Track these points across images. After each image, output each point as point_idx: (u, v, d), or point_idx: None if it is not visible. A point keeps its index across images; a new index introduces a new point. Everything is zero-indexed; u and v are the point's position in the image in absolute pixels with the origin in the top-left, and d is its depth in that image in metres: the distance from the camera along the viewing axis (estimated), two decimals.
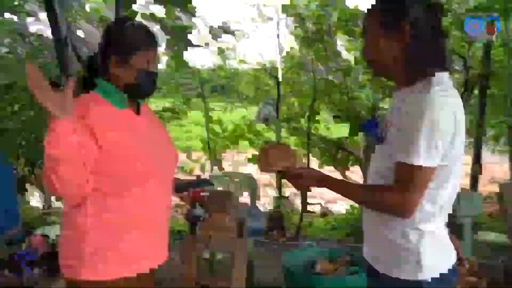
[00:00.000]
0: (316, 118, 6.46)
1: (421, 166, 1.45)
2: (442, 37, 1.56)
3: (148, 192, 1.72)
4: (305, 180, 1.69)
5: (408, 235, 1.54)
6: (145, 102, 1.92)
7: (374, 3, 1.61)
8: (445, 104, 1.45)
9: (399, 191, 1.49)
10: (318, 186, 1.70)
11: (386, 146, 1.59)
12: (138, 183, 1.69)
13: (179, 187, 2.03)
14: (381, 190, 1.56)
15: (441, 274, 1.55)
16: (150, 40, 1.77)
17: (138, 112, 1.81)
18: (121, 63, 1.73)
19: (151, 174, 1.72)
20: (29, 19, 6.01)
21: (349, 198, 1.70)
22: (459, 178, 1.60)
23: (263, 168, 1.78)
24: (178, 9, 5.65)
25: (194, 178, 2.07)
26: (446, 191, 1.54)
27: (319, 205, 6.70)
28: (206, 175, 6.37)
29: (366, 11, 1.62)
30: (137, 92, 1.77)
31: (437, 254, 1.56)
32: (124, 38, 1.74)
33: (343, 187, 1.67)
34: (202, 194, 2.09)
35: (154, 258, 1.82)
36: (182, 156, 8.05)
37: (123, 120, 1.73)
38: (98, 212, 1.66)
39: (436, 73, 1.51)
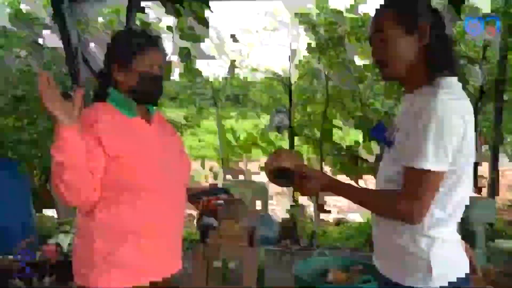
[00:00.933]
0: (329, 126, 6.43)
1: (429, 170, 1.42)
2: (452, 43, 1.55)
3: (159, 201, 1.70)
4: (312, 183, 1.62)
5: (418, 241, 1.50)
6: (158, 111, 1.91)
7: (388, 2, 1.57)
8: (453, 107, 1.42)
9: (407, 196, 1.45)
10: (325, 190, 1.64)
11: (395, 151, 1.56)
12: (148, 191, 1.68)
13: (194, 196, 2.01)
14: (390, 196, 1.52)
15: (452, 282, 1.51)
16: (150, 42, 1.76)
17: (150, 121, 1.80)
18: (123, 68, 1.73)
19: (161, 183, 1.71)
20: (45, 32, 6.13)
21: (357, 203, 1.66)
22: (470, 184, 1.56)
23: (268, 166, 1.70)
24: (191, 19, 5.70)
25: (208, 186, 2.04)
26: (457, 196, 1.50)
27: (330, 212, 6.63)
28: (219, 184, 6.38)
29: (379, 10, 1.58)
30: (141, 95, 1.76)
31: (448, 261, 1.52)
32: (125, 43, 1.75)
33: (351, 192, 1.63)
34: (215, 202, 2.06)
35: (166, 268, 1.80)
36: (195, 165, 8.07)
37: (132, 129, 1.73)
38: (107, 221, 1.66)
39: (444, 77, 1.49)
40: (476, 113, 5.27)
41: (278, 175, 1.70)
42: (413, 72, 1.53)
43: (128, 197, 1.66)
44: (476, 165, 5.43)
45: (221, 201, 2.04)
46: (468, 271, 1.56)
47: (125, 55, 1.73)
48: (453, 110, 1.42)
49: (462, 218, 1.58)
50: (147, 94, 1.77)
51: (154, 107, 1.85)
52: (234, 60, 7.02)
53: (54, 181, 1.52)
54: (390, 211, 1.52)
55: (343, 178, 6.37)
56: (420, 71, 1.52)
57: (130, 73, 1.73)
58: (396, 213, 1.50)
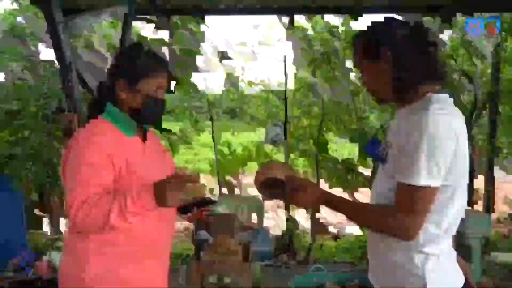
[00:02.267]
0: (325, 139, 6.43)
1: (423, 186, 1.42)
2: (429, 51, 1.55)
3: (151, 218, 1.69)
4: (304, 194, 1.59)
5: (413, 258, 1.50)
6: (151, 128, 1.92)
7: (356, 36, 1.63)
8: (444, 122, 1.42)
9: (402, 213, 1.45)
10: (318, 203, 1.63)
11: (388, 166, 1.57)
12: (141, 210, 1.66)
13: (183, 208, 1.99)
14: (384, 212, 1.52)
15: None
16: (160, 67, 1.76)
17: (144, 139, 1.80)
18: (129, 87, 1.72)
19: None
20: (40, 46, 6.13)
21: (349, 218, 1.66)
22: (464, 199, 1.56)
23: (258, 178, 1.65)
24: (186, 33, 5.73)
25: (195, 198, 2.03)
26: (451, 212, 1.50)
27: (328, 232, 6.58)
28: (214, 198, 6.34)
29: (351, 43, 1.66)
30: (142, 117, 1.75)
31: (443, 277, 1.51)
32: (134, 62, 1.73)
33: (344, 205, 1.62)
34: (206, 213, 2.05)
35: (154, 286, 1.79)
36: None
37: (130, 148, 1.72)
38: (99, 238, 1.65)
39: (435, 92, 1.50)
40: (471, 126, 5.29)
41: (269, 187, 1.66)
42: (392, 93, 1.56)
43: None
44: (471, 178, 5.43)
45: (211, 211, 2.01)
46: (462, 286, 1.55)
47: (134, 76, 1.72)
48: (444, 126, 1.42)
49: (457, 232, 1.57)
50: (148, 117, 1.77)
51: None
52: (230, 74, 7.04)
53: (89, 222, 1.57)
54: (384, 227, 1.52)
55: (339, 191, 6.36)
56: (397, 91, 1.55)
57: (135, 94, 1.72)
58: (391, 230, 1.49)
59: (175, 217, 1.89)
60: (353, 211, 1.61)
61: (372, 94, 1.66)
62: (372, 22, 1.60)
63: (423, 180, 1.41)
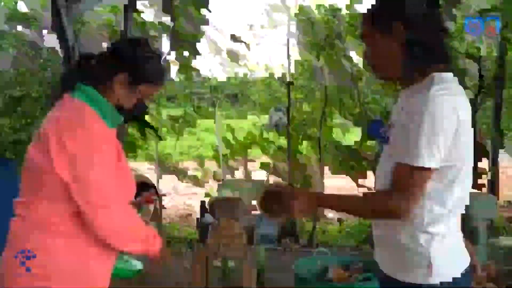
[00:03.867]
0: (328, 124, 6.41)
1: (420, 167, 1.42)
2: (441, 34, 1.54)
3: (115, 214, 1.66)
4: (301, 202, 1.58)
5: (418, 238, 1.50)
6: None
7: (366, 9, 1.61)
8: (445, 102, 1.42)
9: (397, 192, 1.46)
10: (314, 206, 1.64)
11: (390, 147, 1.57)
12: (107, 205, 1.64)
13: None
14: (378, 196, 1.55)
15: (453, 278, 1.50)
16: (164, 77, 1.80)
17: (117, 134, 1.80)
18: (129, 85, 1.69)
19: (122, 195, 1.71)
20: (43, 32, 6.09)
21: (347, 212, 1.68)
22: (469, 179, 1.56)
23: (259, 198, 1.69)
24: (188, 17, 5.67)
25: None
26: (456, 192, 1.50)
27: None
28: (216, 183, 6.36)
29: (362, 16, 1.63)
30: (126, 116, 1.75)
31: (448, 257, 1.52)
32: (143, 64, 1.70)
33: (339, 201, 1.65)
34: (152, 197, 2.08)
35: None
36: (193, 165, 8.05)
37: (113, 141, 1.72)
38: (68, 233, 1.62)
39: (439, 72, 1.49)
40: (475, 109, 5.26)
41: (269, 206, 1.66)
42: (399, 71, 1.55)
43: (91, 210, 1.59)
44: (476, 161, 5.42)
45: (154, 197, 2.08)
46: (468, 267, 1.55)
47: (139, 76, 1.70)
48: (446, 105, 1.41)
49: (462, 215, 1.58)
50: (131, 118, 1.82)
51: None
52: (233, 59, 7.00)
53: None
54: (380, 211, 1.52)
55: (343, 176, 6.35)
56: (406, 69, 1.53)
57: (133, 93, 1.71)
58: (385, 209, 1.50)
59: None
60: (348, 205, 1.63)
61: (373, 69, 1.63)
62: None
63: (421, 161, 1.41)
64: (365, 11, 1.61)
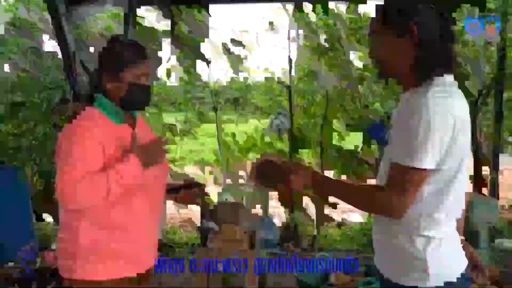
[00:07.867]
0: (329, 128, 6.40)
1: (416, 168, 1.43)
2: (451, 42, 1.55)
3: (143, 199, 1.84)
4: (297, 177, 1.63)
5: (415, 241, 1.51)
6: (140, 115, 2.05)
7: (380, 5, 1.60)
8: (442, 105, 1.43)
9: (391, 191, 1.47)
10: (310, 185, 1.64)
11: (388, 148, 1.59)
12: (133, 191, 1.79)
13: (172, 190, 2.11)
14: (373, 190, 1.56)
15: (449, 282, 1.51)
16: (140, 55, 1.89)
17: (134, 126, 1.93)
18: (113, 78, 1.85)
19: (142, 184, 1.81)
20: (44, 37, 6.12)
21: (340, 199, 1.68)
22: (466, 182, 1.57)
23: (254, 165, 1.73)
24: (189, 22, 5.69)
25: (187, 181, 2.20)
26: (453, 195, 1.51)
27: (333, 220, 6.58)
28: (218, 188, 6.36)
29: (374, 11, 1.62)
30: (131, 104, 1.90)
31: (445, 261, 1.53)
32: (114, 55, 1.87)
33: (334, 186, 1.66)
34: (193, 196, 2.18)
35: (148, 260, 1.94)
36: (195, 169, 8.04)
37: (121, 135, 1.83)
38: (94, 215, 1.78)
39: (439, 76, 1.50)
40: (476, 111, 5.25)
41: (263, 176, 1.70)
42: (408, 72, 1.55)
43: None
44: (476, 164, 5.41)
45: (197, 192, 2.17)
46: (464, 271, 1.56)
47: (116, 66, 1.85)
48: (443, 108, 1.42)
49: (464, 218, 1.58)
50: (135, 103, 1.91)
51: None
52: (234, 63, 7.00)
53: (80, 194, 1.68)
54: (372, 205, 1.55)
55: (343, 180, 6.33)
56: (415, 70, 1.53)
57: (120, 83, 1.85)
58: (378, 208, 1.52)
59: (163, 197, 2.02)
60: (342, 191, 1.64)
61: (377, 66, 1.63)
62: None
63: (416, 162, 1.42)
64: (379, 9, 1.60)
